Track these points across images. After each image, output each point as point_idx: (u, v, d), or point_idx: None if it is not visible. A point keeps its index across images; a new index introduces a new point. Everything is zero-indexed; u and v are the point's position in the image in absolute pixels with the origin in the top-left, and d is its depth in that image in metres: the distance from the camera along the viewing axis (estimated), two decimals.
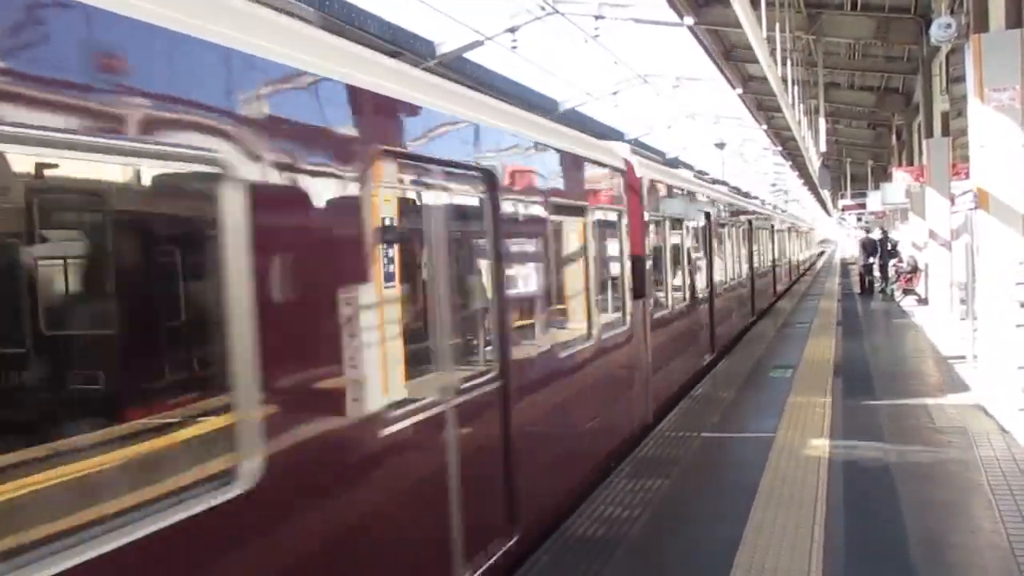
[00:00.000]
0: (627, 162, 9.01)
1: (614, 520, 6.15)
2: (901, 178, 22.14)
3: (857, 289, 26.64)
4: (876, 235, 26.75)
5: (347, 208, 3.80)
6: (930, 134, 18.71)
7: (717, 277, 14.79)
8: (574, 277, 7.21)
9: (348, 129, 3.91)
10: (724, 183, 25.68)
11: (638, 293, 8.65)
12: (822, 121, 21.22)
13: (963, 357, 12.19)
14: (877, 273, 25.69)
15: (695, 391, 11.15)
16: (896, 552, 5.32)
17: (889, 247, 25.23)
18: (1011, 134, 8.38)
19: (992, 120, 8.52)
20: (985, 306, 9.26)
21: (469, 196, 5.25)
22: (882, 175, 34.99)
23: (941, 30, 10.22)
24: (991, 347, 9.00)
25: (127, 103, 2.65)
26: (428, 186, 4.68)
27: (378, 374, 3.92)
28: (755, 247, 21.23)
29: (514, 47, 20.41)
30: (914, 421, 8.82)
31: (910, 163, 23.95)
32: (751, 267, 20.14)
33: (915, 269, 22.38)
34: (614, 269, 8.32)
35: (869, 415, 9.14)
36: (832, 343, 15.14)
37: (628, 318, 8.44)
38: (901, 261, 24.10)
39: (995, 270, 8.65)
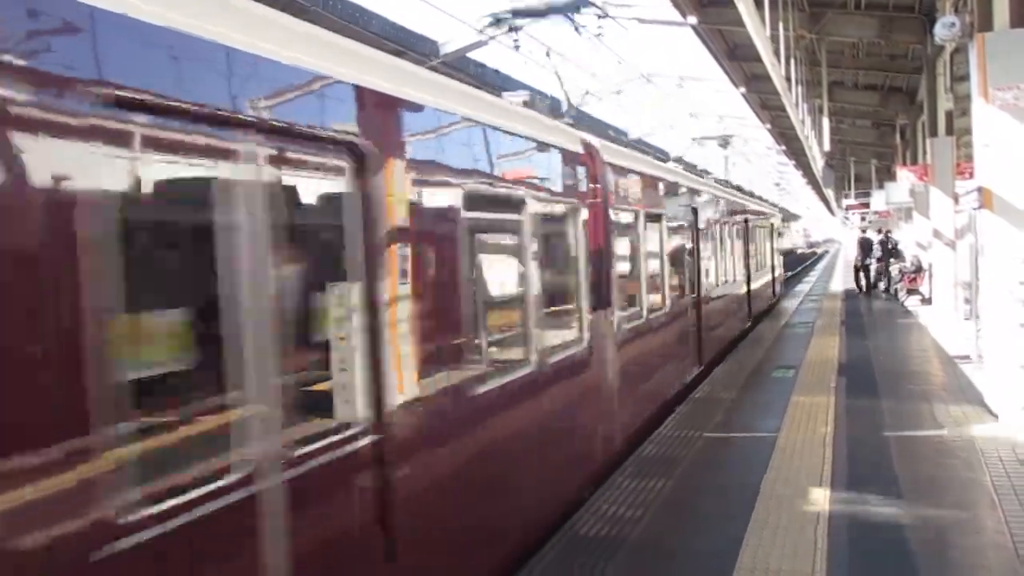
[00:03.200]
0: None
1: (617, 519, 6.14)
2: (905, 177, 22.09)
3: (857, 289, 26.56)
4: (872, 235, 26.89)
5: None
6: (934, 133, 18.67)
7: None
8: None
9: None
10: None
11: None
12: (826, 120, 21.18)
13: (967, 357, 12.17)
14: (876, 273, 25.87)
15: (696, 392, 11.13)
16: (899, 552, 5.31)
17: (890, 247, 25.34)
18: (1015, 133, 8.35)
19: (996, 119, 8.49)
20: (989, 306, 9.23)
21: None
22: (886, 174, 34.93)
23: (945, 29, 10.17)
24: (995, 347, 8.97)
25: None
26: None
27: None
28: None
29: (516, 46, 20.38)
30: (918, 421, 8.80)
31: (914, 162, 23.91)
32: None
33: (919, 269, 22.34)
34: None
35: (872, 415, 9.12)
36: (836, 343, 15.11)
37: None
38: (904, 260, 24.08)
39: (999, 269, 8.62)
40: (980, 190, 8.91)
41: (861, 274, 26.43)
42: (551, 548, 5.63)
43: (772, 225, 25.56)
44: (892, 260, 25.33)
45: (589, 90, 28.27)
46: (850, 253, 35.91)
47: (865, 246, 26.27)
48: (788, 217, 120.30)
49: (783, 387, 10.99)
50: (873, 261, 25.86)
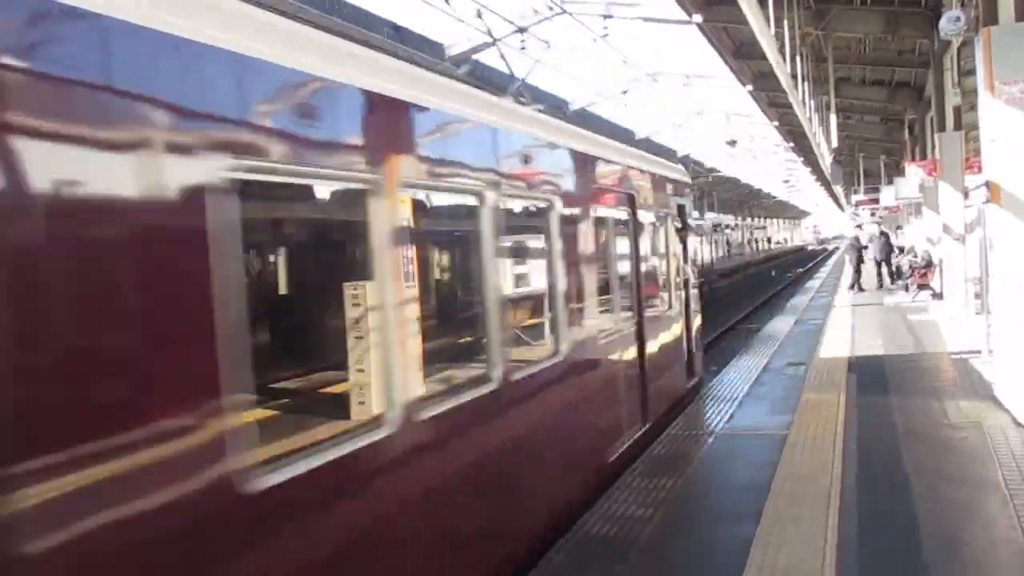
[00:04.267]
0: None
1: (628, 519, 6.16)
2: (914, 173, 22.03)
3: (853, 287, 26.41)
4: (863, 234, 27.46)
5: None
6: (942, 128, 18.60)
7: None
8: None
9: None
10: None
11: None
12: (833, 117, 21.13)
13: (978, 352, 12.12)
14: (878, 269, 26.19)
15: (707, 389, 11.14)
16: (909, 548, 5.31)
17: (882, 242, 25.87)
18: (1022, 127, 8.33)
19: (1003, 113, 8.46)
20: (999, 300, 9.20)
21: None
22: (895, 170, 34.81)
23: (950, 23, 10.13)
24: (1006, 341, 8.94)
25: None
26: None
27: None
28: None
29: (523, 48, 20.44)
30: (929, 417, 8.78)
31: (923, 157, 23.84)
32: None
33: (929, 264, 22.26)
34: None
35: (883, 411, 9.11)
36: (846, 338, 15.07)
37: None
38: (916, 256, 24.03)
39: (1008, 264, 8.60)
40: (988, 184, 8.88)
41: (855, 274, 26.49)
42: (560, 550, 5.66)
43: (653, 210, 10.10)
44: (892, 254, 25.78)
45: (595, 90, 28.33)
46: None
47: (855, 247, 26.74)
48: (776, 210, 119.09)
49: (794, 383, 10.98)
50: (872, 258, 26.19)
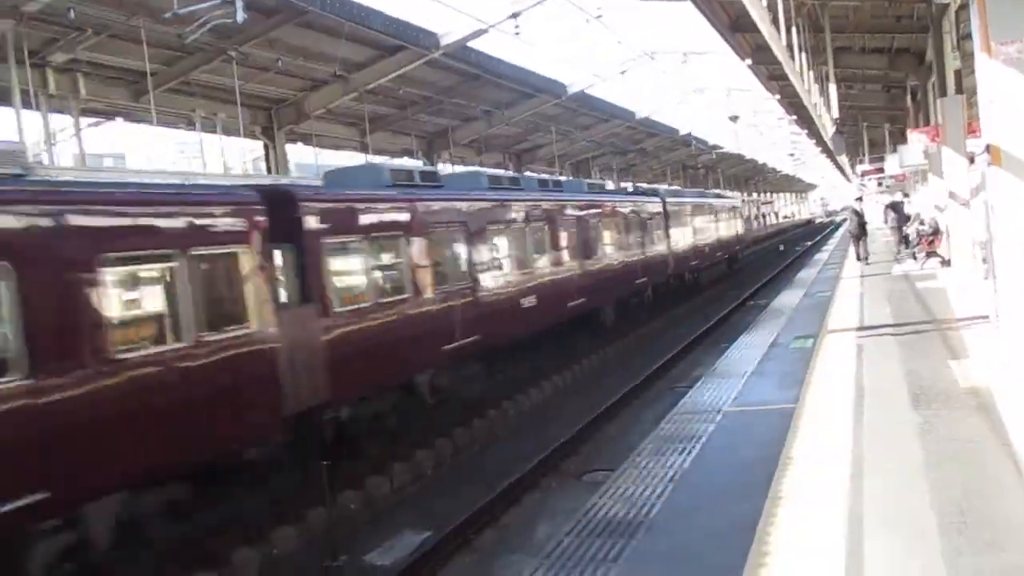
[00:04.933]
0: None
1: (637, 498, 6.19)
2: (917, 139, 21.85)
3: (859, 258, 26.22)
4: (861, 205, 27.79)
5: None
6: (944, 93, 18.42)
7: None
8: None
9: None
10: None
11: None
12: (833, 87, 20.96)
13: (986, 316, 12.05)
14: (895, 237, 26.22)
15: (714, 366, 11.13)
16: (920, 517, 5.30)
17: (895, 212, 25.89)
18: (1020, 87, 8.24)
19: (1000, 74, 8.37)
20: (1003, 264, 9.14)
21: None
22: (900, 138, 34.52)
23: None
24: (1012, 305, 8.89)
25: None
26: None
27: None
28: None
29: (517, 33, 20.34)
30: (938, 382, 8.75)
31: (927, 123, 23.62)
32: None
33: (936, 231, 22.13)
34: None
35: (893, 379, 9.08)
36: (855, 309, 15.02)
37: None
38: (923, 224, 23.90)
39: (1010, 226, 8.53)
40: (988, 147, 8.81)
41: (860, 243, 26.28)
42: (570, 531, 5.69)
43: None
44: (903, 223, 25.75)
45: (593, 72, 28.19)
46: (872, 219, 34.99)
47: (856, 217, 26.60)
48: (783, 184, 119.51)
49: (803, 357, 10.96)
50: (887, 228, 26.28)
